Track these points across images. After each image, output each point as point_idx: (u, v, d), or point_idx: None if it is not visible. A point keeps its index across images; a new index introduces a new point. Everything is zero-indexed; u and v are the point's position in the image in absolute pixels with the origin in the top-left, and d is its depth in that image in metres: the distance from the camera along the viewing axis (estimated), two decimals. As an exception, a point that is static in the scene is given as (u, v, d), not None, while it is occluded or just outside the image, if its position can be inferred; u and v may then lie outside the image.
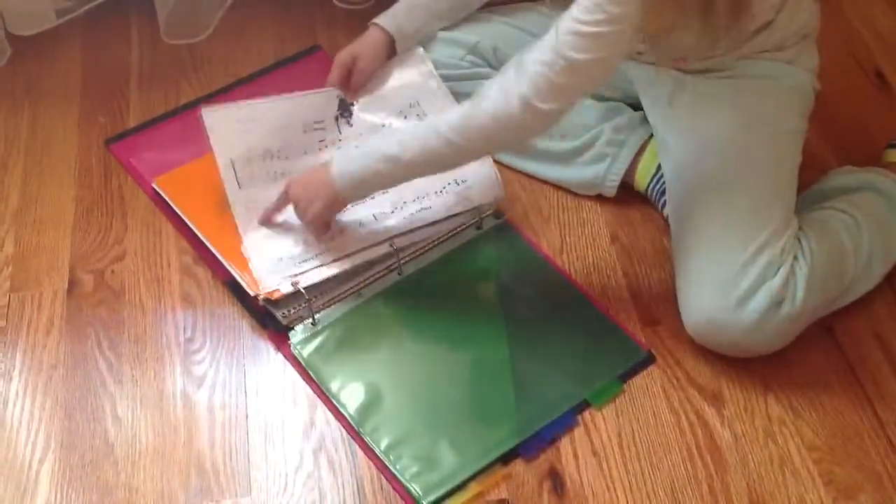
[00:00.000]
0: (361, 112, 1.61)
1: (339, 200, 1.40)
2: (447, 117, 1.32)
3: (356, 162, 1.37)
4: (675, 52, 1.38)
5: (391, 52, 1.63)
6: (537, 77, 1.23)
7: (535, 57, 1.24)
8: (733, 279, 1.31)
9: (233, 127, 1.59)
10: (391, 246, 1.45)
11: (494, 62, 1.60)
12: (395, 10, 1.61)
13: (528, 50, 1.26)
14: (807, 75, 1.47)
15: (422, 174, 1.38)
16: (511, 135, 1.32)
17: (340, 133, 1.59)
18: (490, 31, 1.62)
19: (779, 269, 1.30)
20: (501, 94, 1.26)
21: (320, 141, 1.59)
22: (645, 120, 1.53)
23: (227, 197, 1.51)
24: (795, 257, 1.32)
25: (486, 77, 1.59)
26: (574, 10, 1.21)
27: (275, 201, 1.46)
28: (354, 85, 1.62)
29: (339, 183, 1.37)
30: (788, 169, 1.40)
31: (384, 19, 1.61)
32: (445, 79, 1.61)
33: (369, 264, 1.45)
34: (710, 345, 1.36)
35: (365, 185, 1.39)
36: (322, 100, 1.62)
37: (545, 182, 1.58)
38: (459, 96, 1.60)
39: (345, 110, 1.61)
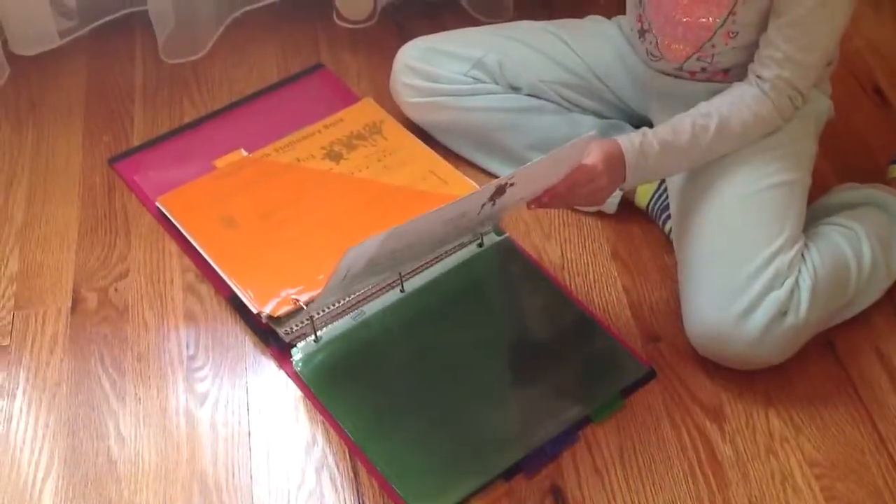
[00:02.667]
0: (517, 189, 1.27)
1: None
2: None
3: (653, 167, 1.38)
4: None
5: None
6: None
7: None
8: (739, 289, 1.31)
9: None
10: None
11: (500, 78, 1.60)
12: None
13: None
14: (827, 102, 1.49)
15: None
16: None
17: (479, 214, 1.32)
18: (495, 47, 1.61)
19: (785, 280, 1.31)
20: None
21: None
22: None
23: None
24: (799, 270, 1.32)
25: (490, 93, 1.60)
26: None
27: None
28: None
29: (630, 182, 1.38)
30: (801, 188, 1.40)
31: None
32: (449, 94, 1.61)
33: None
34: (712, 355, 1.36)
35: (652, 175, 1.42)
36: (474, 200, 1.27)
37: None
38: (463, 112, 1.61)
39: (498, 194, 1.26)
